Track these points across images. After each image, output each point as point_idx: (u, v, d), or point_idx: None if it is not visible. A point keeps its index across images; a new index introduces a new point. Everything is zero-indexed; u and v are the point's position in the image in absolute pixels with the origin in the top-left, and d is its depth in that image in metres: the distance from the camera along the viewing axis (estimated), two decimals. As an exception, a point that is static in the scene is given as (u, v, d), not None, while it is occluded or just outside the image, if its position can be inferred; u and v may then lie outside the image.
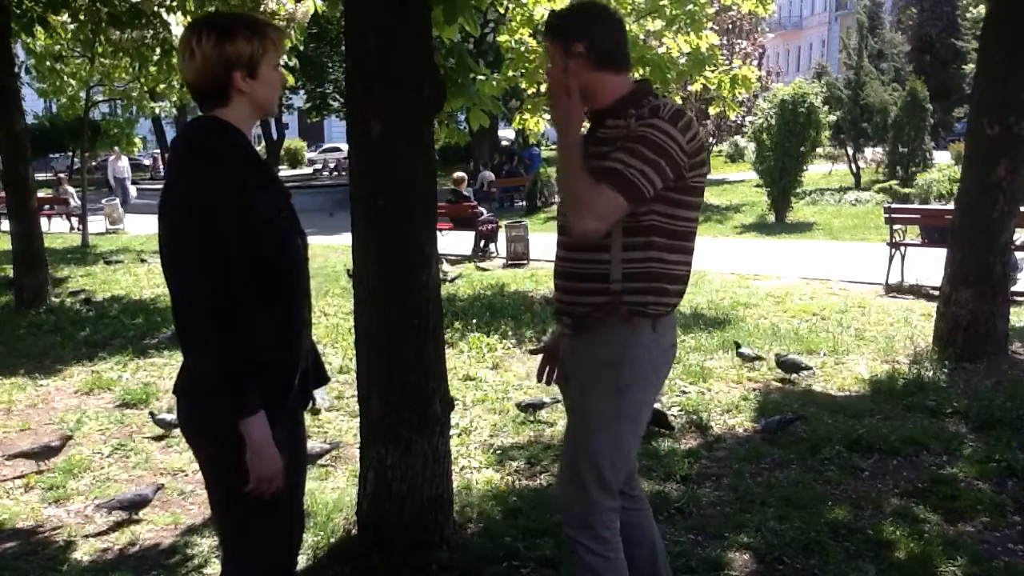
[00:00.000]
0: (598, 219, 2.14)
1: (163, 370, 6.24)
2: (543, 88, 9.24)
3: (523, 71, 8.83)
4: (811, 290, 9.03)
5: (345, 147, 31.33)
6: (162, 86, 12.63)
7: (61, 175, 21.23)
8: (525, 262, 12.04)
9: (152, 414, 4.96)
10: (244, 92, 2.02)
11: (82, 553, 3.53)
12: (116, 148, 18.33)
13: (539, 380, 2.65)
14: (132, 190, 22.34)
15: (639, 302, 2.26)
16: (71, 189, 18.37)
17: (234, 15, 2.16)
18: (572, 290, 2.35)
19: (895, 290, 8.86)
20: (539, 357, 2.66)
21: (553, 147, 29.13)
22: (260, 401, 1.94)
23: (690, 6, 7.99)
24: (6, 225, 11.20)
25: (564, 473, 2.49)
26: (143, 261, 12.44)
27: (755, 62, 22.93)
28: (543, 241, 12.44)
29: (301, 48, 10.24)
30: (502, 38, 8.91)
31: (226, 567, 2.21)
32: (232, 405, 1.92)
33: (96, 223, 17.60)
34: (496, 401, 5.32)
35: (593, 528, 2.33)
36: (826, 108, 16.79)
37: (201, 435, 2.06)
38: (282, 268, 2.03)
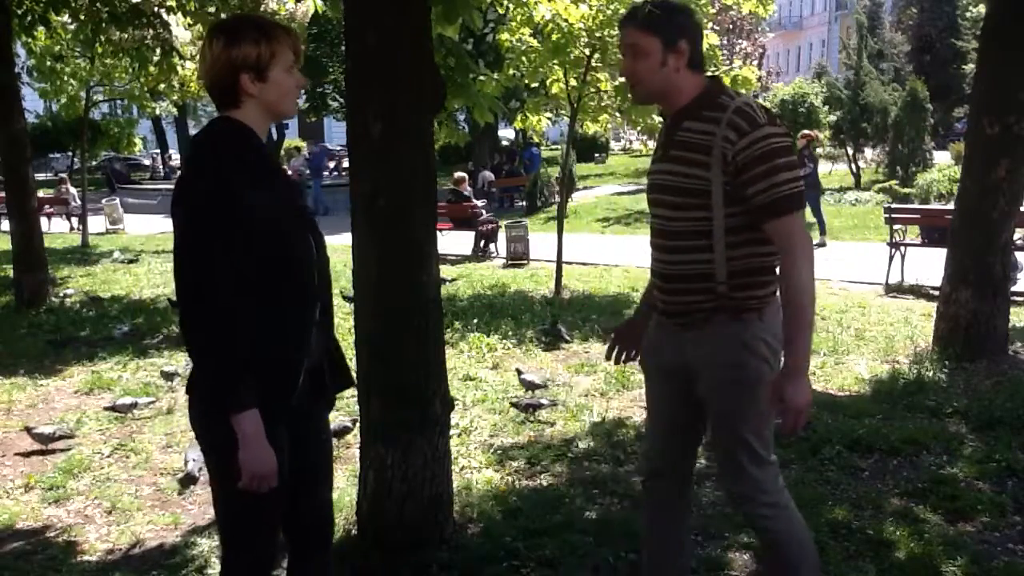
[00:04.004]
0: (807, 248, 2.26)
1: (163, 370, 6.22)
2: (545, 86, 9.21)
3: (523, 71, 8.80)
4: (811, 290, 9.01)
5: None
6: (162, 86, 12.61)
7: (63, 175, 21.14)
8: (525, 262, 12.03)
9: (28, 429, 4.72)
10: (253, 95, 2.05)
11: (82, 553, 3.53)
12: None
13: (607, 359, 2.75)
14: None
15: (746, 297, 2.32)
16: (73, 190, 18.24)
17: (246, 18, 2.20)
18: (678, 291, 2.40)
19: (895, 290, 8.86)
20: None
21: (553, 147, 28.86)
22: (256, 398, 1.96)
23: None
24: (6, 225, 11.20)
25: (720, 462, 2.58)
26: (131, 262, 12.44)
27: (755, 62, 22.94)
28: (543, 241, 12.44)
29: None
30: (502, 38, 8.89)
31: (223, 557, 2.26)
32: (223, 401, 1.96)
33: (96, 223, 17.59)
34: (496, 401, 5.31)
35: (764, 495, 2.46)
36: (826, 108, 16.81)
37: (199, 429, 2.11)
38: (286, 268, 2.04)
